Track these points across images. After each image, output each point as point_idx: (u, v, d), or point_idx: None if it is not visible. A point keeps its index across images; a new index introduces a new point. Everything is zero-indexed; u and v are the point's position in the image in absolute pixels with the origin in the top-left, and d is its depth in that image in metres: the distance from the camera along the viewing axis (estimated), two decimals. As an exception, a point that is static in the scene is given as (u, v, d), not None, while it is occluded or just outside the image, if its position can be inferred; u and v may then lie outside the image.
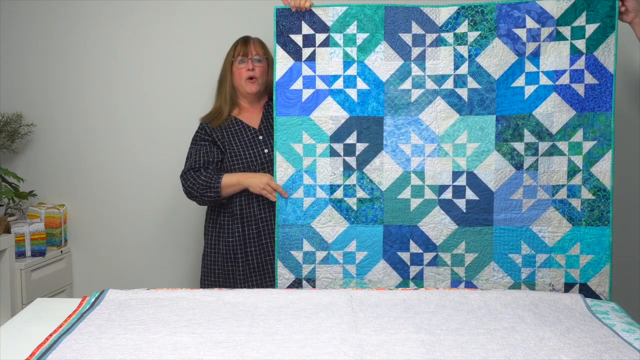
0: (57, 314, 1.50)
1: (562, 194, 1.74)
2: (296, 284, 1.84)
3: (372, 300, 1.52)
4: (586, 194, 1.72)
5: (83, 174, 2.38)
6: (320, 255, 1.83)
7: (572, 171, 1.73)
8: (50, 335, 1.36)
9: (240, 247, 1.89)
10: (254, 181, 1.84)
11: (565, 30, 1.72)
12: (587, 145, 1.72)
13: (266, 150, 1.91)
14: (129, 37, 2.31)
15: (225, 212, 1.91)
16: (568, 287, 1.75)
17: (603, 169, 1.71)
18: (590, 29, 1.70)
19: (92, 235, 2.41)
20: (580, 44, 1.71)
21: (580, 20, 1.70)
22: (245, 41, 1.94)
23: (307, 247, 1.83)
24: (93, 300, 1.56)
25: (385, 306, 1.48)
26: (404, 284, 1.82)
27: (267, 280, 1.90)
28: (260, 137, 1.93)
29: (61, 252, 2.37)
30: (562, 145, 1.73)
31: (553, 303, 1.50)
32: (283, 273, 1.84)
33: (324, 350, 1.24)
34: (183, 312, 1.46)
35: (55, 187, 2.40)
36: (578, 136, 1.72)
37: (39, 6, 2.33)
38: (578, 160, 1.73)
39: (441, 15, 1.78)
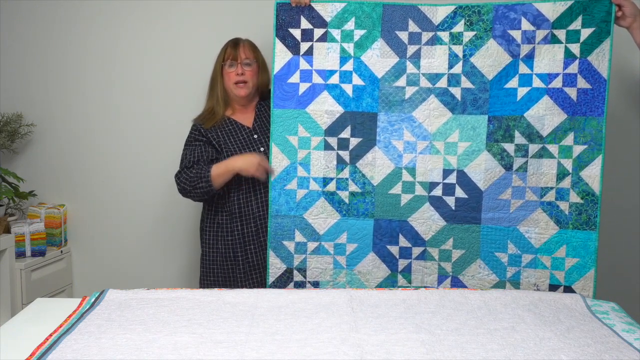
0: (57, 314, 1.47)
1: (551, 197, 1.72)
2: (287, 274, 1.84)
3: (372, 300, 1.50)
4: (574, 198, 1.71)
5: (83, 174, 2.35)
6: (312, 245, 1.83)
7: (561, 174, 1.72)
8: (50, 335, 1.33)
9: (240, 245, 1.86)
10: (244, 164, 1.79)
11: (560, 34, 1.70)
12: (578, 149, 1.70)
13: (262, 149, 1.89)
14: (129, 37, 2.28)
15: (224, 211, 1.88)
16: (552, 288, 1.74)
17: (592, 174, 1.69)
18: (586, 33, 1.68)
19: (92, 235, 2.37)
20: (575, 48, 1.69)
21: (576, 24, 1.68)
22: (235, 44, 1.89)
23: (298, 237, 1.83)
24: (93, 300, 1.54)
25: (385, 306, 1.46)
26: (392, 276, 1.82)
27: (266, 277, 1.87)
28: (255, 136, 1.90)
29: (61, 252, 2.34)
30: (552, 148, 1.72)
31: (553, 303, 1.48)
32: (275, 263, 1.83)
33: (324, 350, 1.22)
34: (183, 312, 1.44)
35: (55, 187, 2.36)
36: (569, 140, 1.70)
37: (39, 6, 2.29)
38: (568, 164, 1.71)
39: (438, 14, 1.76)
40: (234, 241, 1.87)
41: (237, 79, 1.86)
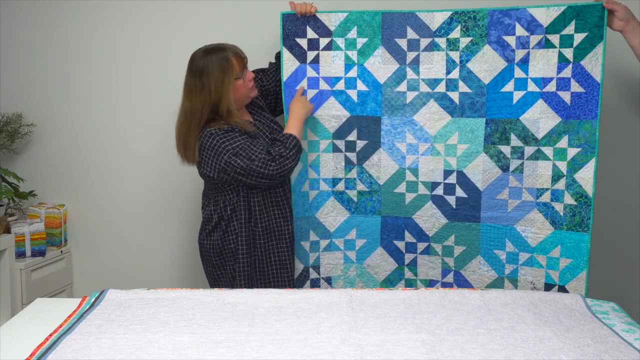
0: (57, 314, 1.45)
1: (546, 197, 1.74)
2: (304, 272, 1.90)
3: (372, 300, 1.48)
4: (569, 199, 1.72)
5: (83, 174, 2.32)
6: (324, 243, 1.90)
7: (556, 176, 1.73)
8: (50, 335, 1.31)
9: (279, 247, 1.79)
10: (304, 108, 1.79)
11: (554, 39, 1.70)
12: (572, 152, 1.71)
13: None
14: (130, 37, 2.25)
15: (265, 214, 1.78)
16: (548, 287, 1.76)
17: (586, 176, 1.69)
18: (579, 38, 1.68)
19: (92, 235, 2.34)
20: (568, 53, 1.69)
21: (569, 29, 1.69)
22: (236, 55, 1.73)
23: (312, 236, 1.90)
24: (93, 300, 1.51)
25: (385, 306, 1.44)
26: (399, 269, 1.89)
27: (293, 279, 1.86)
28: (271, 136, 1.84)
29: (61, 252, 2.30)
30: (547, 151, 1.73)
31: (553, 303, 1.47)
32: (294, 263, 1.88)
33: (324, 350, 1.21)
34: (183, 312, 1.42)
35: (55, 187, 2.33)
36: (563, 142, 1.71)
37: (39, 6, 2.26)
38: (562, 166, 1.72)
39: (435, 20, 1.78)
40: (275, 243, 1.78)
41: (252, 83, 1.77)
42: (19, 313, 1.51)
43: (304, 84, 1.86)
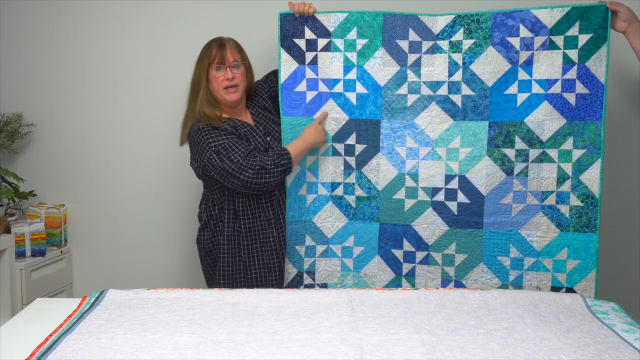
0: (57, 314, 1.47)
1: (551, 200, 1.74)
2: (298, 277, 1.88)
3: (372, 300, 1.50)
4: (575, 201, 1.72)
5: (83, 174, 2.35)
6: (320, 249, 1.87)
7: (561, 178, 1.73)
8: (50, 335, 1.33)
9: (263, 250, 1.80)
10: (316, 137, 1.78)
11: (559, 40, 1.71)
12: (577, 154, 1.72)
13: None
14: (130, 37, 2.28)
15: (249, 216, 1.79)
16: (554, 290, 1.75)
17: (592, 177, 1.71)
18: (583, 39, 1.70)
19: (92, 235, 2.37)
20: (573, 54, 1.71)
21: (574, 30, 1.70)
22: (220, 45, 1.76)
23: (308, 241, 1.87)
24: (93, 300, 1.53)
25: (385, 306, 1.46)
26: (396, 280, 1.85)
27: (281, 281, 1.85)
28: (268, 139, 1.85)
29: (61, 252, 2.33)
30: (552, 153, 1.73)
31: (553, 303, 1.49)
32: (287, 267, 1.87)
33: (324, 350, 1.23)
34: (183, 312, 1.44)
35: (55, 187, 2.36)
36: (568, 144, 1.72)
37: (39, 6, 2.29)
38: (567, 168, 1.73)
39: (438, 24, 1.78)
40: (259, 246, 1.79)
41: (228, 84, 1.75)
42: (19, 313, 1.53)
43: (302, 85, 1.85)
